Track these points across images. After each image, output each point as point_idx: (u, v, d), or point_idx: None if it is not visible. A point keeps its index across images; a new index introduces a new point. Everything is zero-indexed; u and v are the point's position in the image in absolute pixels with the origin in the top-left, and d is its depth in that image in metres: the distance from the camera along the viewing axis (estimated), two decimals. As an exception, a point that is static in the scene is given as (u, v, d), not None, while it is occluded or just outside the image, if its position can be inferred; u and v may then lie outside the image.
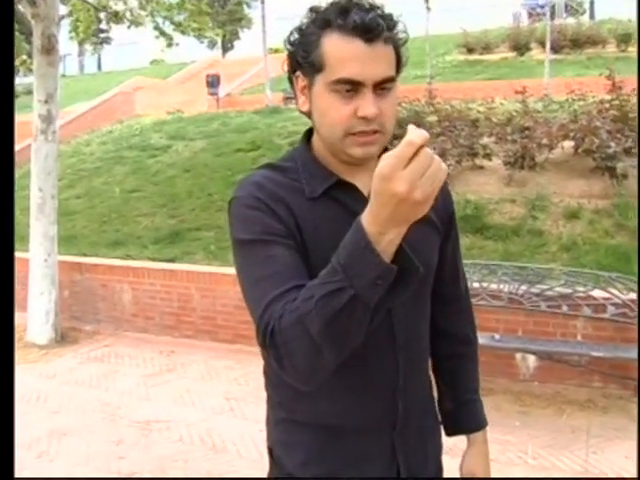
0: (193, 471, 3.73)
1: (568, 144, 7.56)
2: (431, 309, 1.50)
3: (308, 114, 1.29)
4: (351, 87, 1.18)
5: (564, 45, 17.15)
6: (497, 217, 6.45)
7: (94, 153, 11.61)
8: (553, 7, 23.59)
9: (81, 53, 33.64)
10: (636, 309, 4.46)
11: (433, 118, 8.88)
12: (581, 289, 4.61)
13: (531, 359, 4.89)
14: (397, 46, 1.24)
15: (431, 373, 1.59)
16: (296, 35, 1.26)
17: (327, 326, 1.03)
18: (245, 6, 33.88)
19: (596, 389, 4.71)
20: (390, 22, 1.21)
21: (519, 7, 25.19)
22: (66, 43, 23.17)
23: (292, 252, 1.20)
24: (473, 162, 7.53)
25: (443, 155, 7.22)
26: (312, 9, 1.24)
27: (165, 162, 10.19)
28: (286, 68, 1.31)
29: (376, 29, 1.17)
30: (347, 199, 1.28)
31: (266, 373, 1.46)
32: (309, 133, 1.37)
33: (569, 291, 4.62)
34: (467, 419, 1.61)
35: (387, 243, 0.99)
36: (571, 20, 22.92)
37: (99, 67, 35.46)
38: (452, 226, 1.52)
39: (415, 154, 0.92)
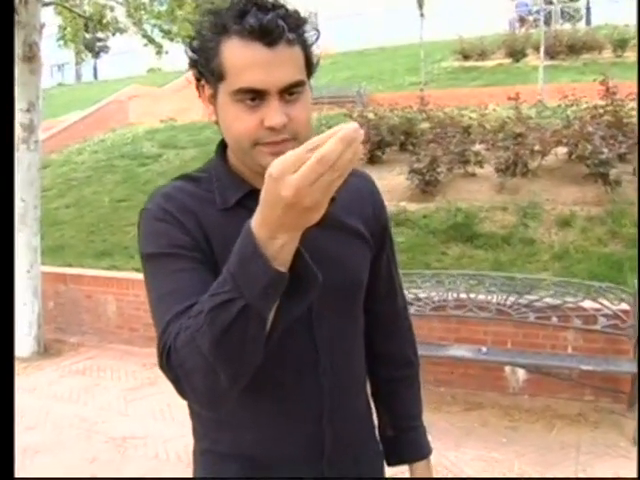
0: (166, 491, 3.60)
1: (561, 150, 7.47)
2: (366, 329, 1.39)
3: (218, 124, 1.18)
4: (255, 96, 1.07)
5: (560, 51, 17.11)
6: (488, 225, 6.33)
7: (85, 162, 11.52)
8: (549, 13, 23.61)
9: (78, 62, 33.63)
10: (628, 320, 4.35)
11: (425, 125, 8.80)
12: (571, 300, 4.49)
13: (521, 372, 4.76)
14: (305, 47, 1.12)
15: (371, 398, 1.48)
16: (196, 41, 1.14)
17: (218, 342, 0.93)
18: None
19: (587, 403, 4.58)
20: (295, 21, 1.09)
21: (515, 13, 25.12)
22: (64, 52, 23.17)
23: (198, 266, 1.11)
24: (465, 169, 7.43)
25: (434, 162, 7.13)
26: (210, 11, 1.11)
27: (156, 171, 10.10)
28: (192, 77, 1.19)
29: (276, 30, 1.05)
30: None
31: (190, 404, 1.36)
32: (224, 143, 1.26)
33: (558, 302, 4.50)
34: (408, 448, 1.49)
35: (278, 248, 0.89)
36: (568, 26, 22.86)
37: (95, 76, 35.44)
38: (385, 239, 1.41)
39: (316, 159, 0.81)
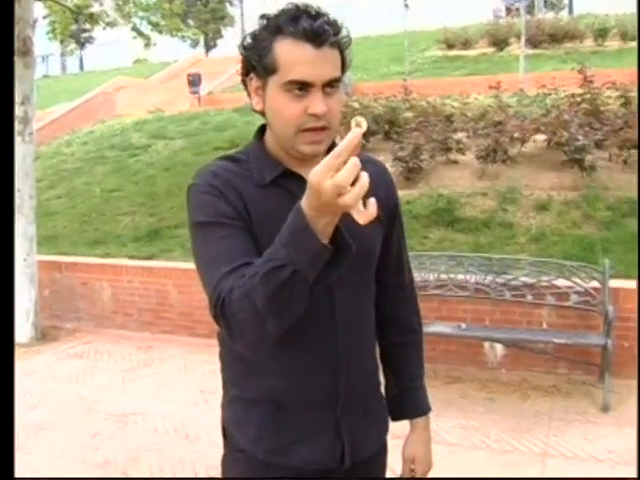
0: (166, 459, 3.83)
1: (540, 138, 7.72)
2: (377, 298, 1.60)
3: (262, 113, 1.41)
4: (302, 87, 1.30)
5: (542, 40, 17.32)
6: (468, 210, 6.58)
7: (75, 153, 11.65)
8: (532, 2, 23.85)
9: (63, 53, 33.51)
10: (598, 297, 4.62)
11: (409, 114, 9.02)
12: (545, 278, 4.75)
13: (499, 347, 5.02)
14: (342, 49, 1.37)
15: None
16: (249, 40, 1.37)
17: (270, 300, 1.15)
18: (227, 4, 33.94)
19: (561, 375, 4.85)
20: (336, 28, 1.34)
21: (499, 3, 25.37)
22: (48, 43, 23.13)
23: (241, 232, 1.33)
24: (447, 157, 7.66)
25: (417, 150, 7.36)
26: (263, 16, 1.36)
27: (145, 161, 10.26)
28: (240, 71, 1.42)
29: (323, 34, 1.30)
30: (294, 188, 1.37)
31: (221, 356, 1.58)
32: (261, 130, 1.50)
33: (533, 280, 4.76)
34: (410, 405, 1.69)
35: (323, 225, 1.11)
36: (551, 15, 23.12)
37: (81, 67, 35.29)
38: (396, 219, 1.63)
39: (344, 162, 1.05)
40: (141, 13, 8.69)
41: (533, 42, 16.67)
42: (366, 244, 1.48)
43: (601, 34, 16.97)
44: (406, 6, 14.55)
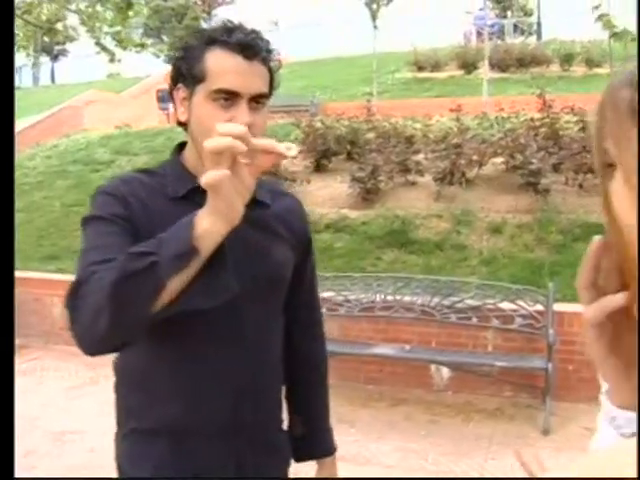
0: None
1: (498, 160, 7.81)
2: (287, 334, 1.58)
3: (185, 125, 1.41)
4: (229, 97, 1.32)
5: (510, 64, 17.58)
6: (422, 232, 6.62)
7: (37, 167, 11.53)
8: (503, 27, 24.24)
9: (35, 65, 33.26)
10: (542, 320, 4.66)
11: (371, 135, 9.08)
12: (490, 301, 4.78)
13: (445, 370, 5.03)
14: (271, 69, 1.39)
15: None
16: (181, 52, 1.40)
17: (118, 285, 1.11)
18: (202, 21, 34.00)
19: (506, 398, 4.88)
20: (267, 45, 1.37)
21: (471, 26, 25.67)
22: (20, 55, 22.99)
23: (127, 234, 1.31)
24: (405, 178, 7.71)
25: (375, 171, 7.40)
26: (199, 31, 1.42)
27: (107, 177, 10.17)
28: (169, 81, 1.44)
29: (255, 47, 1.33)
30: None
31: (117, 387, 1.54)
32: (180, 147, 1.52)
33: (479, 303, 4.79)
34: (318, 447, 1.68)
35: (204, 230, 1.10)
36: (521, 39, 23.48)
37: (52, 79, 35.01)
38: (309, 252, 1.63)
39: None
40: (106, 28, 8.66)
41: (501, 66, 16.91)
42: (275, 265, 1.48)
43: (567, 60, 17.29)
44: (375, 27, 14.69)
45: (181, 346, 1.38)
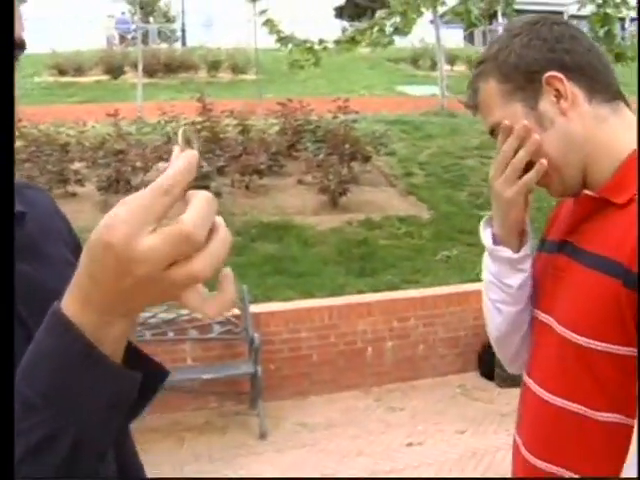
0: None
1: (163, 165, 7.52)
2: None
3: None
4: None
5: (158, 69, 17.48)
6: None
7: None
8: (147, 32, 24.02)
9: None
10: (240, 324, 4.53)
11: (19, 143, 8.11)
12: (184, 312, 4.49)
13: (144, 393, 4.62)
14: None
15: None
16: None
17: None
18: None
19: (213, 410, 4.67)
20: None
21: (113, 30, 24.93)
22: None
23: None
24: (65, 189, 7.05)
25: (31, 182, 6.59)
26: None
27: None
28: None
29: None
30: None
31: None
32: None
33: (173, 316, 4.47)
34: None
35: (115, 339, 0.61)
36: (165, 46, 23.47)
37: None
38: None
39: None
40: None
41: (149, 71, 16.69)
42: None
43: (214, 66, 17.81)
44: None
45: None
